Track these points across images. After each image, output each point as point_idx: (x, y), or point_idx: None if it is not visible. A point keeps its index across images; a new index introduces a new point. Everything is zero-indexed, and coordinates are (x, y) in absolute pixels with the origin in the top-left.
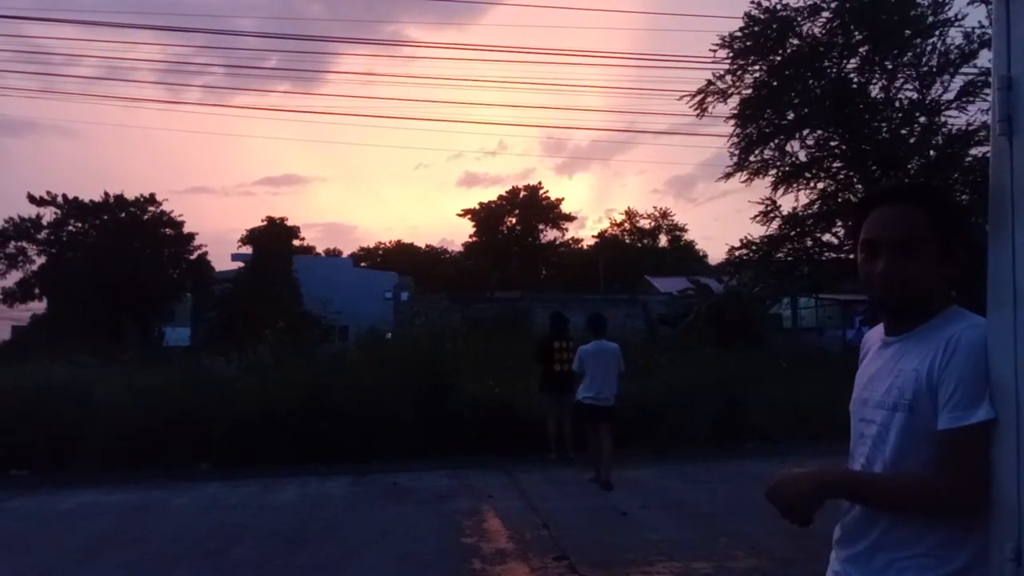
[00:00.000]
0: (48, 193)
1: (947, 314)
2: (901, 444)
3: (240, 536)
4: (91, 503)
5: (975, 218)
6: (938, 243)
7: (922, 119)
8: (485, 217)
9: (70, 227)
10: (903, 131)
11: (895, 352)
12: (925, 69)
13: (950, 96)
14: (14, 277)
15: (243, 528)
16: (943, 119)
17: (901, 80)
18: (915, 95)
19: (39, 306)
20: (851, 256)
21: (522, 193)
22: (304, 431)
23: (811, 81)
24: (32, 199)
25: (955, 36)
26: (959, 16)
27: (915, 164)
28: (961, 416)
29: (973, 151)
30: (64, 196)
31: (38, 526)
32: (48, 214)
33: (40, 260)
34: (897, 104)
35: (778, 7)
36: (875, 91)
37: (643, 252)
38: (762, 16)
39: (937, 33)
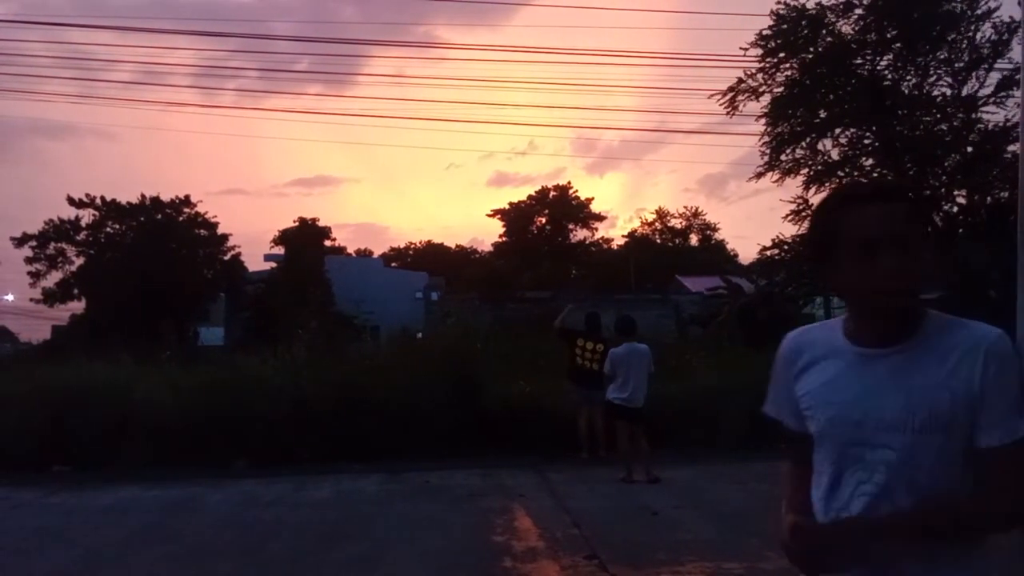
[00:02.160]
0: (87, 195)
1: (936, 320)
2: (935, 468)
3: (275, 532)
4: (132, 498)
5: (1013, 216)
6: (927, 237)
7: (959, 115)
8: (515, 217)
9: (108, 228)
10: (939, 128)
11: (894, 366)
12: (959, 64)
13: (987, 91)
14: (54, 277)
15: (278, 524)
16: (980, 115)
17: (935, 76)
18: (949, 91)
19: (78, 306)
20: None
21: (552, 193)
22: (338, 429)
23: (844, 78)
24: (71, 201)
25: (987, 31)
26: (994, 9)
27: (951, 161)
28: (1015, 429)
29: (1012, 147)
30: (102, 198)
31: (81, 520)
32: (87, 216)
33: (79, 261)
34: (933, 100)
35: (806, 5)
36: (909, 87)
37: (674, 252)
38: (790, 15)
39: (972, 27)
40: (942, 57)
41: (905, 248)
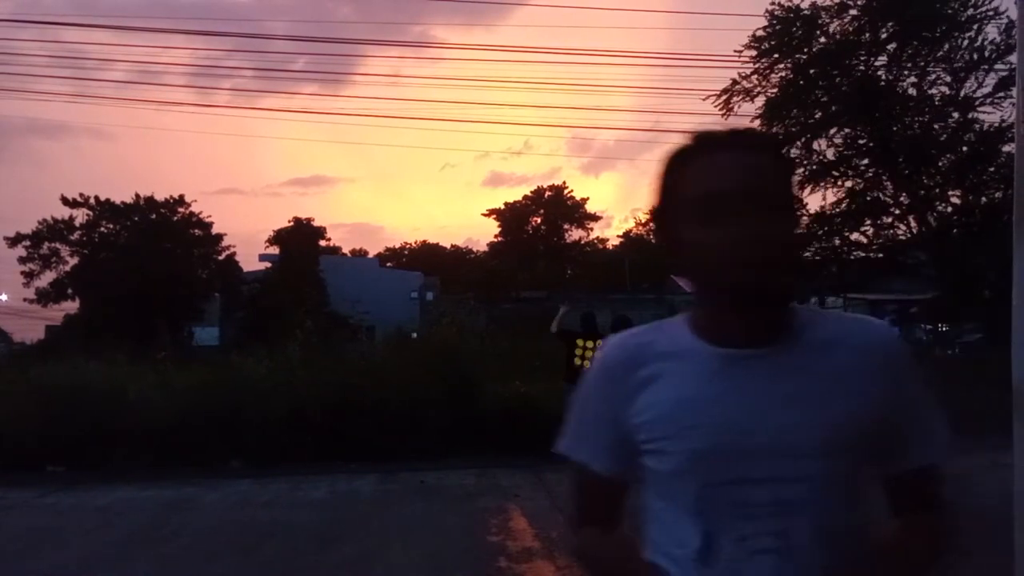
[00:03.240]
0: (81, 195)
1: (805, 312)
2: (845, 505)
3: (271, 532)
4: (126, 499)
5: (1008, 216)
6: (790, 200)
7: (955, 115)
8: (510, 217)
9: (102, 228)
10: (935, 127)
11: (775, 370)
12: (959, 64)
13: (985, 91)
14: (48, 277)
15: (274, 525)
16: (976, 115)
17: (933, 76)
18: (948, 91)
19: (72, 306)
20: (880, 255)
21: (547, 193)
22: (333, 430)
23: (838, 79)
24: (65, 201)
25: (990, 31)
26: (999, 10)
27: (946, 161)
28: (943, 447)
29: (1007, 148)
30: (96, 198)
31: (75, 521)
32: (81, 215)
33: (73, 261)
34: (929, 100)
35: (800, 6)
36: (906, 87)
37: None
38: (785, 15)
39: (975, 27)
40: (940, 55)
41: (768, 209)
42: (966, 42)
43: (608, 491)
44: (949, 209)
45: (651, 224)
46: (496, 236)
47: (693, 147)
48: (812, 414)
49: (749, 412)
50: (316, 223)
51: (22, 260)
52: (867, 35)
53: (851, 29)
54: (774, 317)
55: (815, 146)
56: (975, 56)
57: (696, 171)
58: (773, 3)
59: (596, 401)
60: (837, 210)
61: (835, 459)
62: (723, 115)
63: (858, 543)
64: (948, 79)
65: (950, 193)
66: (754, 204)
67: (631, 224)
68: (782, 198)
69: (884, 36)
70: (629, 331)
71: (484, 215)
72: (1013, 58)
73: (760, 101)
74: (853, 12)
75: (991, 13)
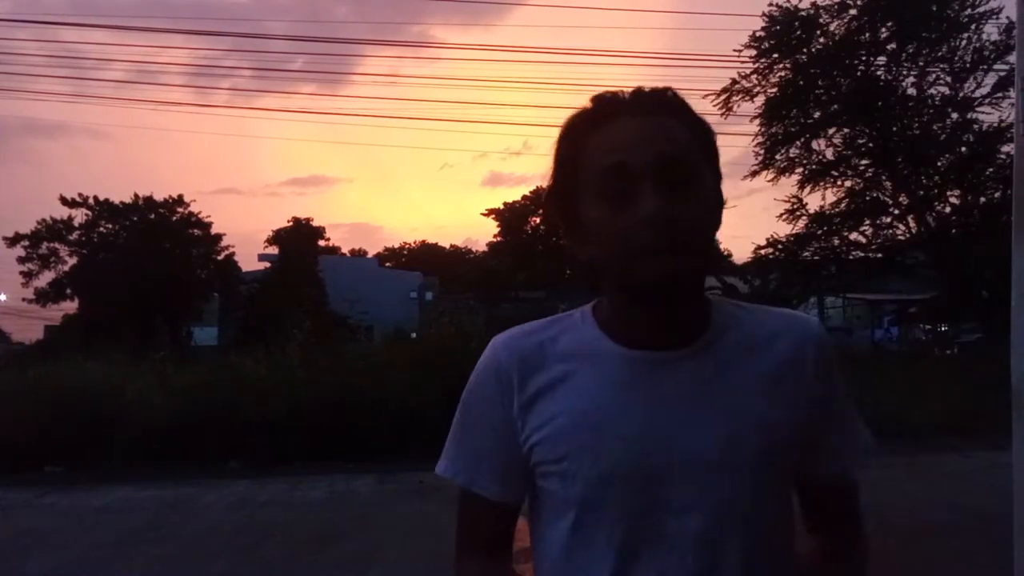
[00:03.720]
0: (80, 195)
1: (722, 306)
2: (775, 524)
3: (270, 533)
4: (125, 499)
5: (1006, 216)
6: (711, 175)
7: (954, 115)
8: (509, 217)
9: (101, 228)
10: (934, 128)
11: (696, 374)
12: (958, 65)
13: (984, 91)
14: (47, 277)
15: (272, 525)
16: (975, 115)
17: (933, 76)
18: (947, 91)
19: (71, 306)
20: (879, 255)
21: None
22: (332, 430)
23: (838, 79)
24: (64, 201)
25: (990, 32)
26: (998, 9)
27: (945, 161)
28: (864, 453)
29: (1006, 148)
30: (95, 198)
31: (73, 521)
32: (80, 215)
33: (72, 261)
34: (928, 100)
35: (799, 6)
36: (905, 87)
37: None
38: (784, 16)
39: (974, 27)
40: (939, 55)
41: (680, 184)
42: (965, 42)
43: (497, 518)
44: (948, 209)
45: (546, 206)
46: (495, 236)
47: (592, 112)
48: (742, 424)
49: (668, 426)
50: (315, 223)
51: (21, 260)
52: (867, 35)
53: (851, 29)
54: (692, 312)
55: (814, 146)
56: (974, 56)
57: (595, 141)
58: (772, 4)
59: (483, 413)
60: (836, 210)
61: (769, 474)
62: (722, 115)
63: (788, 571)
64: (947, 79)
65: (949, 193)
66: (663, 178)
67: None
68: (697, 169)
69: (884, 36)
70: (522, 327)
71: (483, 215)
72: (1012, 58)
73: (759, 100)
74: (853, 12)
75: (990, 13)
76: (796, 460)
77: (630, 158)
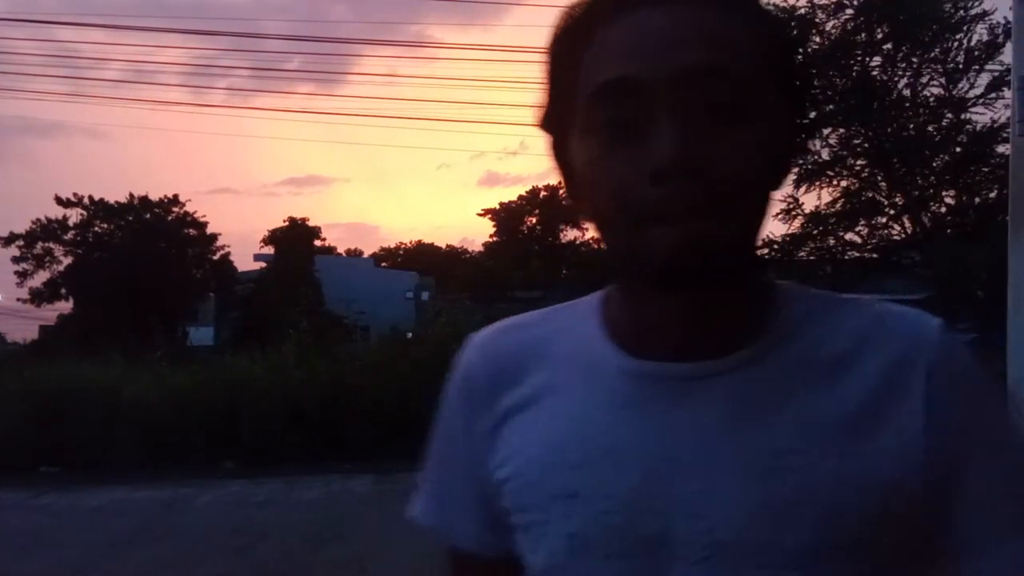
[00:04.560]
0: (75, 195)
1: (799, 296)
2: None
3: (266, 533)
4: (120, 500)
5: (1002, 216)
6: (779, 104)
7: (948, 115)
8: (506, 217)
9: (96, 228)
10: (929, 128)
11: (721, 406)
12: (952, 65)
13: (978, 91)
14: (41, 277)
15: (268, 525)
16: (969, 115)
17: (927, 76)
18: (941, 91)
19: (65, 306)
20: (875, 256)
21: (543, 193)
22: (328, 430)
23: (834, 79)
24: (59, 200)
25: (981, 32)
26: (990, 11)
27: (940, 161)
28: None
29: (1000, 148)
30: (90, 197)
31: (68, 522)
32: (75, 215)
33: (67, 260)
34: (923, 101)
35: (796, 5)
36: (900, 87)
37: None
38: (780, 15)
39: (966, 27)
40: (932, 56)
41: (722, 113)
42: (957, 43)
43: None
44: (943, 209)
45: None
46: (491, 236)
47: (598, 2)
48: (797, 483)
49: (676, 478)
50: (311, 223)
51: (16, 260)
52: (863, 35)
53: (847, 29)
54: (733, 309)
55: (810, 146)
56: (966, 57)
57: (598, 44)
58: (769, 2)
59: (452, 435)
60: (832, 210)
61: (834, 567)
62: None
63: None
64: (941, 80)
65: (944, 193)
66: (695, 103)
67: None
68: (754, 92)
69: (879, 36)
70: (511, 320)
71: (479, 215)
72: (1004, 58)
73: None
74: (849, 11)
75: (982, 14)
76: (899, 545)
77: (640, 70)
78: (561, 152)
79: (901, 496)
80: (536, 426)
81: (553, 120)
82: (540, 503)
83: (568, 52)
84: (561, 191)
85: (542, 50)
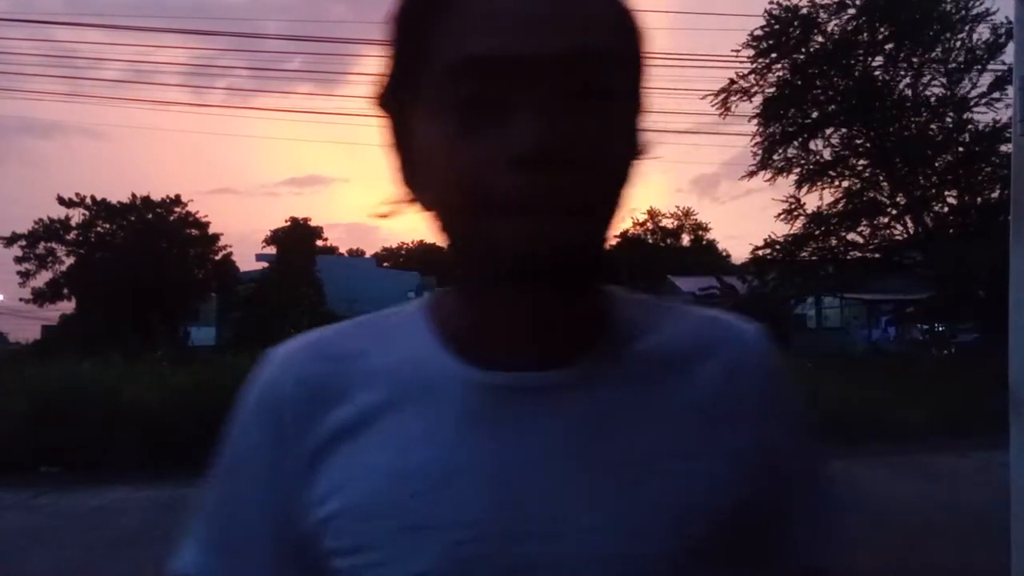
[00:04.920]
0: (77, 195)
1: (629, 303)
2: None
3: None
4: (121, 500)
5: (1003, 216)
6: (636, 91)
7: (950, 115)
8: None
9: (98, 228)
10: (931, 128)
11: (580, 412)
12: (953, 65)
13: (979, 91)
14: (44, 277)
15: None
16: (971, 115)
17: (928, 76)
18: (943, 91)
19: (68, 306)
20: (877, 255)
21: None
22: None
23: (836, 79)
24: (61, 201)
25: (983, 32)
26: (990, 11)
27: (942, 161)
28: (843, 533)
29: (1002, 148)
30: (92, 198)
31: (69, 522)
32: (77, 215)
33: (69, 261)
34: (925, 100)
35: (799, 5)
36: (902, 87)
37: (665, 252)
38: (783, 15)
39: (967, 27)
40: (935, 56)
41: (587, 99)
42: (959, 42)
43: None
44: (945, 209)
45: (379, 116)
46: None
47: None
48: (660, 490)
49: (540, 499)
50: (313, 223)
51: (18, 260)
52: (865, 35)
53: (849, 29)
54: (582, 313)
55: (812, 146)
56: (967, 56)
57: (457, 13)
58: (771, 2)
59: (247, 472)
60: (834, 210)
61: (690, 570)
62: (720, 114)
63: None
64: (943, 80)
65: (946, 193)
66: (560, 86)
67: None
68: (620, 80)
69: (881, 37)
70: (315, 334)
71: None
72: (1005, 58)
73: (757, 100)
74: (851, 11)
75: (984, 14)
76: (738, 555)
77: (506, 47)
78: (400, 133)
79: (754, 489)
80: (369, 453)
81: (394, 96)
82: (379, 541)
83: (419, 19)
84: (395, 179)
85: (387, 17)
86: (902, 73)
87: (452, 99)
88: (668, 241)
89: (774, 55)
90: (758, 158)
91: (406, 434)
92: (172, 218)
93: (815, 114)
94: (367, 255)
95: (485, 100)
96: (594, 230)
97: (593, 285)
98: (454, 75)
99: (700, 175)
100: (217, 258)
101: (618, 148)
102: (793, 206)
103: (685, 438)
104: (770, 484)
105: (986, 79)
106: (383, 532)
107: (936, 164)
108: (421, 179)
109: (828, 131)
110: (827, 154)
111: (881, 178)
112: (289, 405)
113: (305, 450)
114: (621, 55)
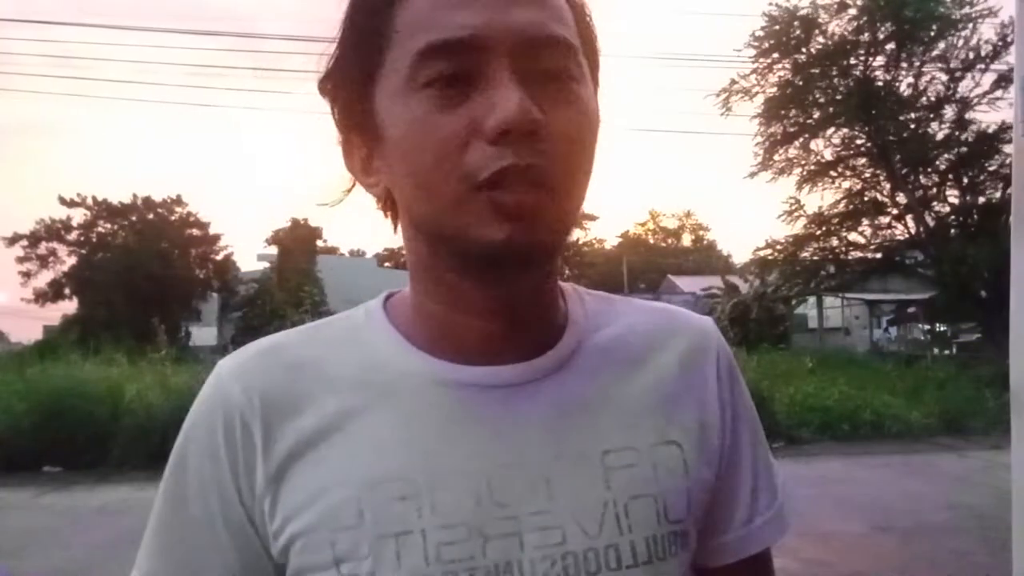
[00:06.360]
0: (78, 195)
1: (581, 293)
2: None
3: None
4: (123, 499)
5: (1005, 216)
6: (593, 76)
7: (951, 114)
8: None
9: (100, 228)
10: (932, 127)
11: (553, 407)
12: (955, 64)
13: (981, 91)
14: (45, 277)
15: None
16: (973, 115)
17: (930, 76)
18: (944, 90)
19: (69, 306)
20: (878, 255)
21: None
22: None
23: (836, 79)
24: (63, 201)
25: (985, 31)
26: (996, 10)
27: (944, 161)
28: (784, 510)
29: (1005, 148)
30: (94, 198)
31: (71, 521)
32: (78, 215)
33: (70, 261)
34: (926, 100)
35: (799, 5)
36: (903, 87)
37: (667, 252)
38: (783, 15)
39: (969, 27)
40: (936, 55)
41: (553, 83)
42: (961, 42)
43: None
44: (947, 209)
45: (331, 96)
46: None
47: None
48: (637, 480)
49: (519, 491)
50: (313, 223)
51: (19, 260)
52: (865, 35)
53: (850, 29)
54: (547, 301)
55: (813, 146)
56: (970, 56)
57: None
58: (772, 2)
59: (202, 492)
60: (835, 210)
61: (678, 558)
62: (722, 115)
63: None
64: (944, 79)
65: (948, 193)
66: (529, 68)
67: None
68: (582, 68)
69: (882, 36)
70: (265, 342)
71: None
72: (1008, 58)
73: (759, 100)
74: (852, 11)
75: (985, 12)
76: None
77: (482, 29)
78: (361, 115)
79: (714, 469)
80: (341, 460)
81: (354, 76)
82: (362, 549)
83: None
84: (350, 165)
85: None
86: (904, 73)
87: (426, 77)
88: (669, 241)
89: (775, 55)
90: (759, 158)
91: (381, 437)
92: (173, 218)
93: (816, 114)
94: (368, 255)
95: (459, 76)
96: (567, 209)
97: (555, 273)
98: (428, 55)
99: (700, 175)
100: (218, 258)
101: (586, 131)
102: (794, 206)
103: (655, 425)
104: (723, 463)
105: (989, 79)
106: (365, 541)
107: (937, 164)
108: (391, 161)
109: (829, 131)
110: (828, 154)
111: (882, 178)
112: (245, 421)
113: (267, 468)
114: (577, 40)
